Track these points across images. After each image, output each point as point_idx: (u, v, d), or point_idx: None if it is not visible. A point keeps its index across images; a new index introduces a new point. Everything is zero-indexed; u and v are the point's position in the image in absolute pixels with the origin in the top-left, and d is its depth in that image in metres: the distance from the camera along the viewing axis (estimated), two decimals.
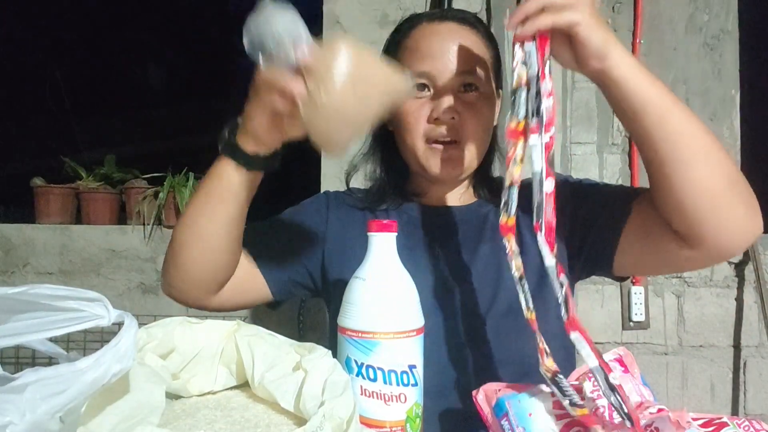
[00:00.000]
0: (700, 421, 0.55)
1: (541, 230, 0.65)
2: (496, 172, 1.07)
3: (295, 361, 0.58)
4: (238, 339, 0.62)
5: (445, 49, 0.90)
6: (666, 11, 2.09)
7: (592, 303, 2.06)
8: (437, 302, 0.88)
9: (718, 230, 0.74)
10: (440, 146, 0.92)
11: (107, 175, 2.26)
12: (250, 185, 0.79)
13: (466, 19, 0.96)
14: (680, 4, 2.09)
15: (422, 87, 0.91)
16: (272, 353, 0.60)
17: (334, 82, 0.62)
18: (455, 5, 2.05)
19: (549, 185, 0.66)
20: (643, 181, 2.06)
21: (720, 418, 0.55)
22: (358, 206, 1.02)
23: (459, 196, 1.03)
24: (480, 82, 0.92)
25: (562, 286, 0.62)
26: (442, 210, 1.00)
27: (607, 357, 0.65)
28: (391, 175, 1.04)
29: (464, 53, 0.90)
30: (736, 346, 2.07)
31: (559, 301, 0.62)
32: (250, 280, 0.93)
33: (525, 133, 0.69)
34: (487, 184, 1.03)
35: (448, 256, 0.94)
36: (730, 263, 2.07)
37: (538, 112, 0.67)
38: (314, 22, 2.24)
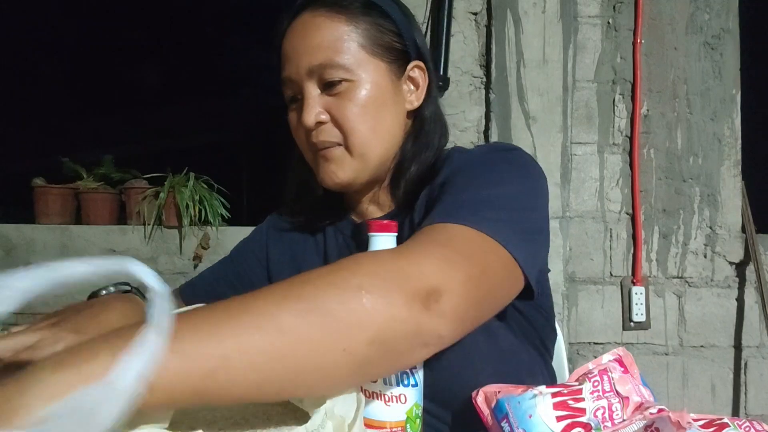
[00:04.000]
0: (701, 422, 0.54)
1: None
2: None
3: None
4: None
5: (296, 47, 0.80)
6: (666, 11, 2.09)
7: (593, 303, 2.06)
8: None
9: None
10: (323, 152, 0.82)
11: (107, 175, 2.26)
12: None
13: (321, 2, 0.81)
14: (681, 3, 2.09)
15: (292, 96, 0.83)
16: None
17: None
18: (456, 5, 2.05)
19: None
20: (644, 181, 2.06)
21: (721, 419, 0.54)
22: (296, 227, 0.96)
23: (379, 206, 0.91)
24: (346, 70, 0.78)
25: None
26: (364, 226, 0.83)
27: (606, 357, 0.65)
28: (320, 192, 0.92)
29: (316, 44, 0.78)
30: (737, 347, 2.06)
31: None
32: None
33: None
34: (404, 185, 0.85)
35: None
36: (730, 263, 2.07)
37: None
38: None
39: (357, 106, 0.79)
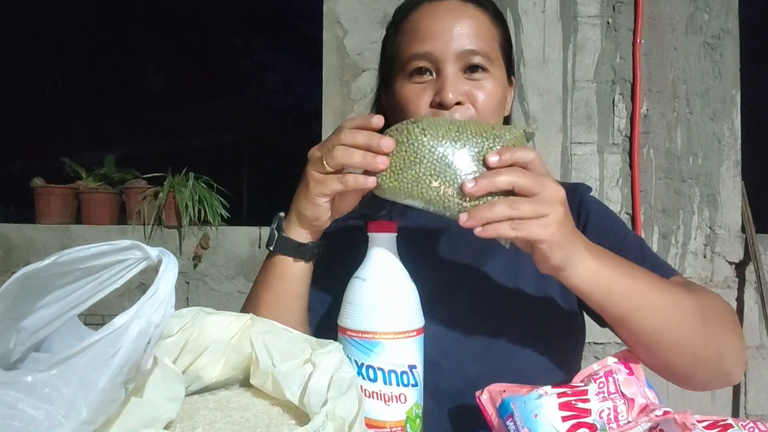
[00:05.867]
0: (705, 423, 0.54)
1: None
2: None
3: (307, 355, 0.58)
4: (253, 334, 0.61)
5: (447, 27, 0.83)
6: (666, 11, 2.09)
7: None
8: (443, 302, 0.86)
9: (688, 386, 0.80)
10: None
11: (107, 175, 2.26)
12: (308, 269, 0.79)
13: None
14: (681, 3, 2.09)
15: (422, 71, 0.84)
16: (287, 348, 0.59)
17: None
18: None
19: None
20: (643, 181, 2.06)
21: (725, 420, 0.54)
22: (356, 215, 0.92)
23: None
24: (489, 62, 0.84)
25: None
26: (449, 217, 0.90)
27: (612, 359, 0.65)
28: None
29: (469, 31, 0.83)
30: None
31: None
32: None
33: None
34: None
35: (454, 262, 0.88)
36: (730, 264, 2.07)
37: None
38: (315, 22, 2.24)
39: (492, 96, 0.84)
